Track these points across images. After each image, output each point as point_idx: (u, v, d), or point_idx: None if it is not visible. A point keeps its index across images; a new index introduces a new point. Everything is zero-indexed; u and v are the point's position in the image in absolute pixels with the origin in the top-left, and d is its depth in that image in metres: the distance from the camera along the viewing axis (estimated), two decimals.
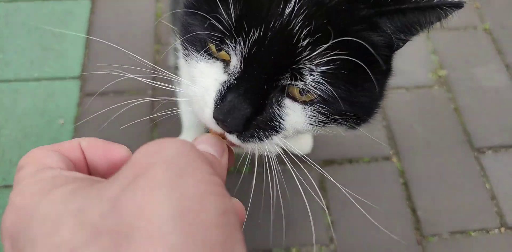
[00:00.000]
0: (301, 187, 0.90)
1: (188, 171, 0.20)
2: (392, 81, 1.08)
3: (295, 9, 0.28)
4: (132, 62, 1.08)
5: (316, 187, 0.91)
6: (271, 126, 0.31)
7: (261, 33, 0.29)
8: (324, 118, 0.33)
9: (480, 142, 0.97)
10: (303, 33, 0.28)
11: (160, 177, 0.20)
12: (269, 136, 0.32)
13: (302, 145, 0.91)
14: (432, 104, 1.01)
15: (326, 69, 0.30)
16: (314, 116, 0.32)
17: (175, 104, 0.98)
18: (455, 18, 1.30)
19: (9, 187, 0.87)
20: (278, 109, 0.31)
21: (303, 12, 0.28)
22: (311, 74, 0.30)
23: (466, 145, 0.96)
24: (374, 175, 0.92)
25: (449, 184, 0.90)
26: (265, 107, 0.31)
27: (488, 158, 0.95)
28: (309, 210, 0.87)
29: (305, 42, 0.29)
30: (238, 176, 0.91)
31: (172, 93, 0.95)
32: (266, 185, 0.91)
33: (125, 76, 1.04)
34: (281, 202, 0.89)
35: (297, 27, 0.28)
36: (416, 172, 0.92)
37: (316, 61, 0.30)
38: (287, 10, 0.28)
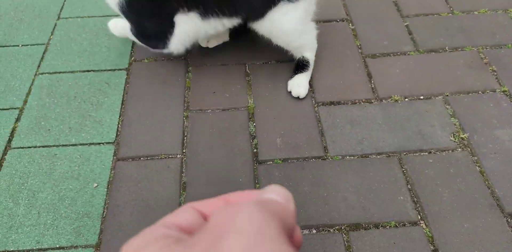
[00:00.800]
0: None
1: (261, 242, 0.22)
2: (414, 144, 1.10)
3: None
4: (162, 128, 1.14)
5: None
6: None
7: None
8: None
9: (511, 206, 0.95)
10: None
11: (232, 249, 0.21)
12: None
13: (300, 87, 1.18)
14: (456, 167, 1.02)
15: None
16: None
17: (202, 166, 1.02)
18: (471, 81, 1.34)
19: (43, 249, 0.89)
20: None
21: None
22: None
23: (496, 209, 0.94)
24: (402, 241, 0.90)
25: (482, 251, 0.87)
26: None
27: None
28: None
29: None
30: None
31: (202, 156, 0.98)
32: None
33: (155, 141, 1.10)
34: None
35: None
36: (446, 238, 0.90)
37: None
38: None
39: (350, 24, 1.41)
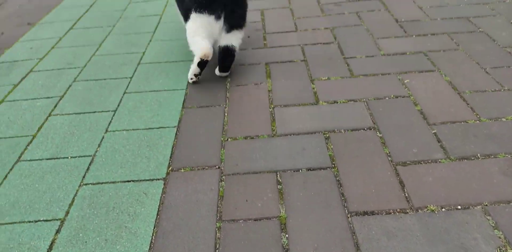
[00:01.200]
0: None
1: None
2: None
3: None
4: (195, 240, 1.15)
5: None
6: None
7: None
8: None
9: None
10: None
11: None
12: None
13: None
14: None
15: None
16: None
17: None
18: (510, 189, 1.30)
19: None
20: None
21: None
22: None
23: None
24: None
25: None
26: None
27: None
28: None
29: None
30: None
31: None
32: None
33: None
34: None
35: None
36: None
37: None
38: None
39: (378, 132, 1.46)
